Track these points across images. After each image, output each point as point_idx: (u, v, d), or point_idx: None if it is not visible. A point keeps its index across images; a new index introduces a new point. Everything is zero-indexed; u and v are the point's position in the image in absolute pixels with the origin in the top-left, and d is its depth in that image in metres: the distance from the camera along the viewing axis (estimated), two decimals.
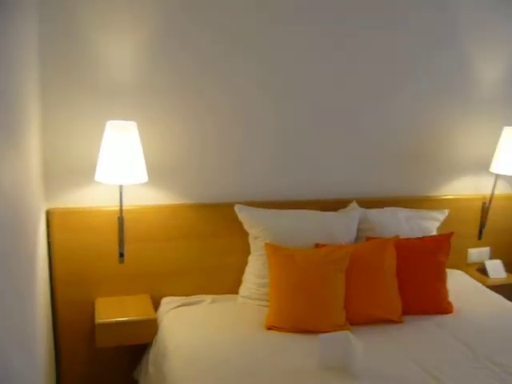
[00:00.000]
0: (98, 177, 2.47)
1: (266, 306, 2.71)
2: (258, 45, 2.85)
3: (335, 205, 3.11)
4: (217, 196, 2.93)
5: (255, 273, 2.85)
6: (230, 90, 2.86)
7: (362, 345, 2.20)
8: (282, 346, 2.44)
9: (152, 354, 2.63)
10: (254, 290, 2.84)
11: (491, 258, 3.62)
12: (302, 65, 2.95)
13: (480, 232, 3.57)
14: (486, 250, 3.63)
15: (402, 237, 2.95)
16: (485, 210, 3.53)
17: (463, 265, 3.55)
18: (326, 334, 2.28)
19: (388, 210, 3.15)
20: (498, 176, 3.41)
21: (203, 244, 2.91)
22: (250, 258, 2.91)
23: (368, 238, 2.97)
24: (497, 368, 2.35)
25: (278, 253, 2.69)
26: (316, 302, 2.59)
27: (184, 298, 2.86)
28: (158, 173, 2.76)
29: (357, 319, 2.64)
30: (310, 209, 3.01)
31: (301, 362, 2.30)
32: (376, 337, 2.53)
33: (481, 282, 3.33)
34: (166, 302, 2.82)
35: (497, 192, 3.49)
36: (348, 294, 2.65)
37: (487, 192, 3.50)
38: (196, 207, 2.88)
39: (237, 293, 2.92)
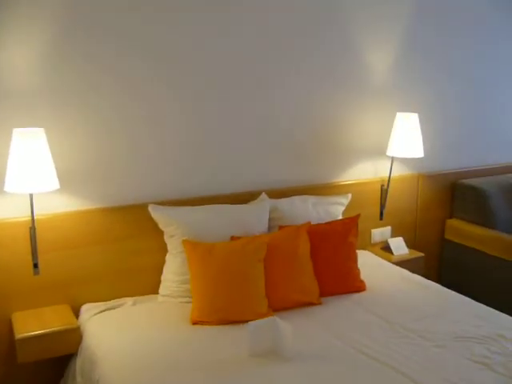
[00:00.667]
0: (7, 187, 2.40)
1: (189, 303, 2.74)
2: (159, 47, 2.88)
3: (245, 197, 3.18)
4: (130, 198, 2.91)
5: (174, 271, 2.86)
6: (138, 93, 2.86)
7: (290, 327, 2.29)
8: (211, 339, 2.47)
9: (78, 363, 2.57)
10: (174, 287, 2.85)
11: (393, 236, 3.84)
12: (201, 64, 3.01)
13: (381, 213, 3.78)
14: (387, 229, 3.84)
15: (311, 223, 3.07)
16: (384, 192, 3.74)
17: (368, 245, 3.75)
18: (255, 322, 2.33)
19: (296, 199, 3.26)
20: (393, 159, 3.63)
21: (119, 247, 2.88)
22: (168, 257, 2.92)
23: (281, 227, 3.06)
24: (412, 334, 2.53)
25: (196, 248, 2.72)
26: (238, 293, 2.65)
27: (104, 303, 2.82)
28: (69, 179, 2.70)
29: (278, 305, 2.72)
30: (222, 203, 3.06)
31: (231, 352, 2.35)
32: (298, 320, 2.62)
33: (386, 259, 3.54)
34: (87, 309, 2.77)
35: (393, 174, 3.71)
36: (268, 282, 2.73)
37: (385, 175, 3.71)
38: (110, 211, 2.85)
39: (157, 293, 2.91)
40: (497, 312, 2.79)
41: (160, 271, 2.94)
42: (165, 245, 2.93)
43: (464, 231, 3.97)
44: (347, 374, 2.21)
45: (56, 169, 2.49)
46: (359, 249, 3.41)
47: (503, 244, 3.70)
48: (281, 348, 2.31)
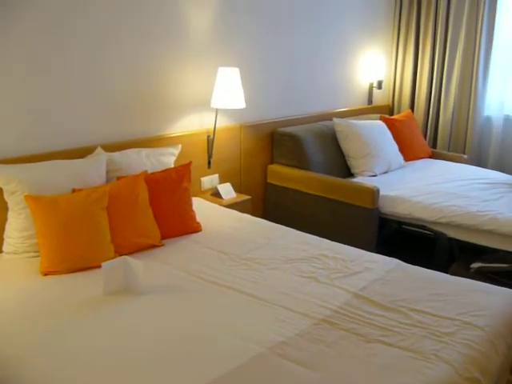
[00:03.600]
0: None
1: (35, 257, 2.81)
2: None
3: (81, 153, 3.26)
4: None
5: (18, 227, 2.89)
6: None
7: (141, 264, 2.49)
8: (63, 286, 2.58)
9: None
10: (19, 244, 2.88)
11: (221, 182, 4.14)
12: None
13: (209, 162, 4.05)
14: (215, 176, 4.13)
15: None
16: (210, 142, 4.00)
17: (199, 192, 4.00)
18: (108, 262, 2.50)
19: (130, 151, 3.40)
20: (217, 111, 3.90)
21: None
22: (10, 215, 2.92)
23: (119, 178, 3.20)
24: (248, 262, 2.85)
25: (39, 202, 2.77)
26: (85, 241, 2.77)
27: None
28: None
29: (124, 250, 2.88)
30: (59, 159, 3.11)
31: (85, 294, 2.49)
32: (144, 260, 2.73)
33: (217, 203, 3.82)
34: None
35: (218, 125, 3.99)
36: (112, 228, 2.88)
37: (211, 126, 3.98)
38: None
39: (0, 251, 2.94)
40: (317, 237, 3.21)
41: (1, 230, 2.95)
42: (3, 204, 2.93)
43: (283, 174, 4.40)
44: (196, 298, 2.48)
45: None
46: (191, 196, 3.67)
47: (317, 183, 4.18)
48: (134, 284, 2.50)
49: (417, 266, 2.87)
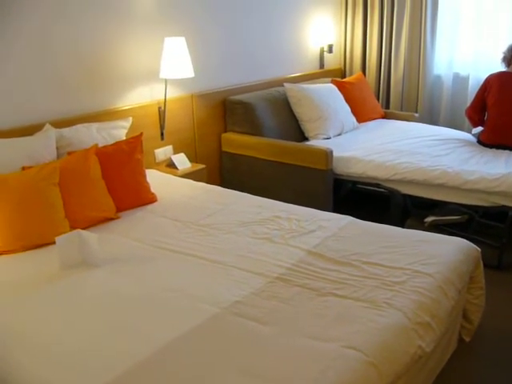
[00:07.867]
0: None
1: None
2: None
3: (30, 130, 3.21)
4: None
5: None
6: None
7: (95, 236, 2.49)
8: (19, 264, 2.58)
9: None
10: None
11: (175, 153, 4.13)
12: None
13: (162, 133, 4.03)
14: (169, 147, 4.12)
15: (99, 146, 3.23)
16: (162, 114, 3.99)
17: (153, 164, 3.99)
18: (62, 236, 2.49)
19: (80, 126, 3.37)
20: (167, 81, 3.88)
21: None
22: None
23: (69, 153, 3.17)
24: (204, 228, 2.88)
25: None
26: (38, 218, 2.75)
27: None
28: None
29: (79, 224, 2.86)
30: (7, 138, 3.07)
31: (41, 270, 2.50)
32: (100, 233, 2.77)
33: (172, 174, 3.81)
34: None
35: (169, 96, 3.97)
36: (66, 204, 2.87)
37: (161, 97, 3.95)
38: None
39: None
40: (272, 201, 3.24)
41: None
42: None
43: (237, 142, 4.40)
44: (152, 266, 2.50)
45: None
46: (146, 169, 3.65)
47: (271, 148, 4.20)
48: (89, 257, 2.50)
49: (369, 222, 2.94)
